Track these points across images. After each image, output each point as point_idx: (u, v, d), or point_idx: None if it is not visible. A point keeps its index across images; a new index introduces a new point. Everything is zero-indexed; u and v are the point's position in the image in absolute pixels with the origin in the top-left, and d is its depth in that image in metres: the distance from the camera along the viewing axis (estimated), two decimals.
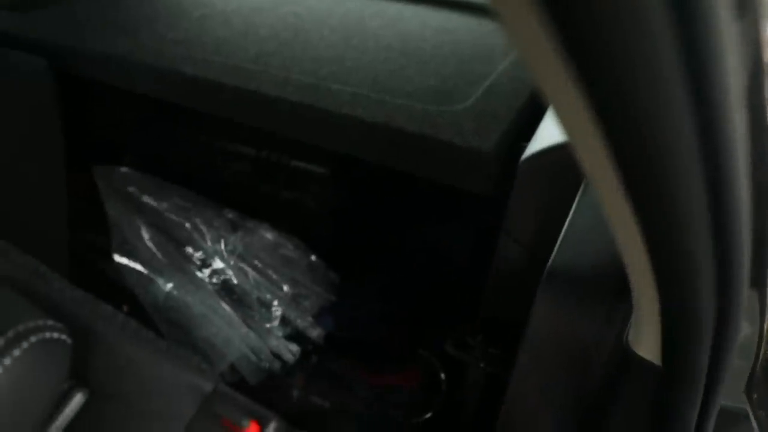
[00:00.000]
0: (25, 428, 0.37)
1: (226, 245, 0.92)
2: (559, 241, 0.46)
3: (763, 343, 0.47)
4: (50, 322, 0.39)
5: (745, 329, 0.42)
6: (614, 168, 0.17)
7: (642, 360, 0.36)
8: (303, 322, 0.91)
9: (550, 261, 0.45)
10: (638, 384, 0.39)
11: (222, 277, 0.91)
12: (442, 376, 0.88)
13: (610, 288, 0.42)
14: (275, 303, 0.90)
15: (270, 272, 0.92)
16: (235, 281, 0.90)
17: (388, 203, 0.89)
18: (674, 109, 0.15)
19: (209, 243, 0.92)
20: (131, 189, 0.96)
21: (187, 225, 0.93)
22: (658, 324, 0.31)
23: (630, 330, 0.37)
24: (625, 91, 0.14)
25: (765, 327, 0.45)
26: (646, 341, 0.35)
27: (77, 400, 0.42)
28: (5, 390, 0.34)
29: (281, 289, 0.91)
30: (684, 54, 0.13)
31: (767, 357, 0.50)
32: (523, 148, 0.55)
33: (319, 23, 0.87)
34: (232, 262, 0.91)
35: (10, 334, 0.35)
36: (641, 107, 0.14)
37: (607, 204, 0.22)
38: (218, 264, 0.91)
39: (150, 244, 0.92)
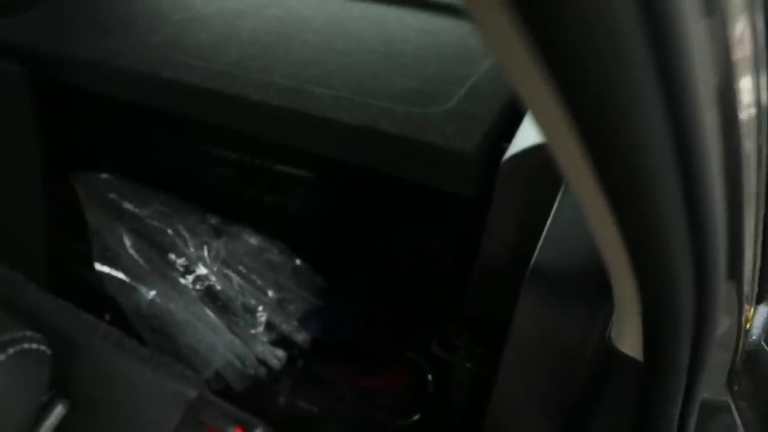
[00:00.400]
0: None
1: (209, 251, 0.91)
2: (541, 241, 0.47)
3: (742, 336, 0.48)
4: (29, 333, 0.38)
5: (724, 322, 0.43)
6: (590, 167, 0.17)
7: (625, 356, 0.37)
8: (288, 326, 0.90)
9: (533, 260, 0.46)
10: (622, 380, 0.39)
11: (206, 284, 0.90)
12: (429, 377, 0.88)
13: (592, 286, 0.43)
14: (260, 308, 0.89)
15: (254, 277, 0.91)
16: (219, 287, 0.90)
17: (372, 206, 0.89)
18: (645, 107, 0.15)
19: (192, 249, 0.91)
20: (112, 195, 0.95)
21: (170, 231, 0.92)
22: (640, 321, 0.32)
23: (612, 327, 0.38)
24: (597, 90, 0.14)
25: (743, 320, 0.45)
26: (628, 338, 0.36)
27: (58, 411, 0.41)
28: None
29: (266, 294, 0.91)
30: (653, 52, 0.14)
31: (746, 349, 0.51)
32: (504, 149, 0.55)
33: (302, 26, 0.87)
34: (215, 268, 0.90)
35: None
36: (612, 106, 0.15)
37: (585, 204, 0.22)
38: (202, 270, 0.90)
39: (132, 251, 0.91)
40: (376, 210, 0.89)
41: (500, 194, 0.56)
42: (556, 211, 0.48)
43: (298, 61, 0.77)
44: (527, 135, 0.54)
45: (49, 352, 0.40)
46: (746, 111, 0.23)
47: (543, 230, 0.47)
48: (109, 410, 0.43)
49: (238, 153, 0.93)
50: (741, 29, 0.20)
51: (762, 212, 0.37)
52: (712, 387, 0.49)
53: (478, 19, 0.15)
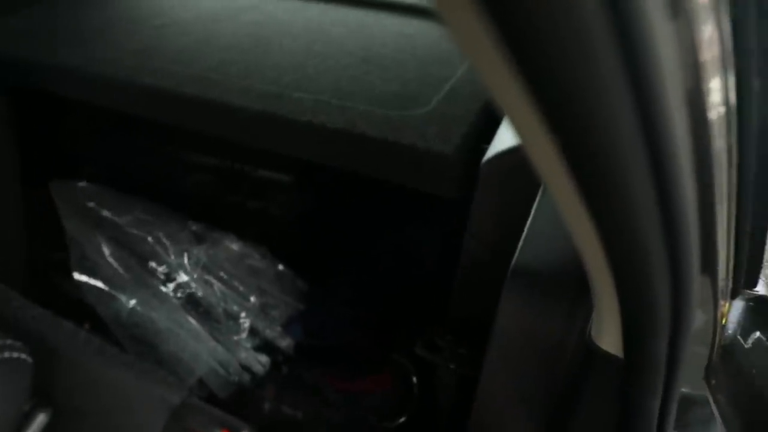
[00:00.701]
0: None
1: (190, 258, 0.90)
2: (521, 241, 0.47)
3: (718, 331, 0.49)
4: (9, 342, 0.38)
5: (700, 317, 0.44)
6: (563, 167, 0.18)
7: (605, 353, 0.37)
8: (272, 332, 0.90)
9: (513, 260, 0.46)
10: (602, 376, 0.40)
11: (187, 291, 0.89)
12: (414, 379, 0.88)
13: (572, 285, 0.43)
14: (243, 314, 0.89)
15: (236, 283, 0.91)
16: (200, 294, 0.89)
17: (354, 209, 0.89)
18: (613, 106, 0.15)
19: (173, 256, 0.90)
20: (90, 204, 0.94)
21: (150, 239, 0.91)
22: (618, 318, 0.32)
23: (592, 325, 0.38)
24: (565, 90, 0.15)
25: (719, 315, 0.46)
26: (608, 335, 0.36)
27: (40, 420, 0.41)
28: None
29: (248, 299, 0.90)
30: (619, 51, 0.14)
31: (723, 344, 0.52)
32: (484, 151, 0.56)
33: (280, 31, 0.87)
34: (196, 275, 0.90)
35: None
36: (581, 105, 0.15)
37: (561, 203, 0.23)
38: (183, 277, 0.90)
39: (111, 259, 0.90)
40: (357, 213, 0.89)
41: (481, 195, 0.57)
42: (535, 211, 0.49)
43: (277, 66, 0.77)
44: (506, 136, 0.55)
45: (30, 360, 0.39)
46: (715, 111, 0.23)
47: (523, 230, 0.48)
48: (92, 418, 0.43)
49: (218, 158, 0.92)
50: (708, 31, 0.21)
51: (734, 210, 0.38)
52: (690, 381, 0.50)
53: (445, 17, 0.15)
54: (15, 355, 0.38)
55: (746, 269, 0.52)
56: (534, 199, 0.50)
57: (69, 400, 0.43)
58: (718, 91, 0.24)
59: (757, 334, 0.55)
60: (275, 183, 0.90)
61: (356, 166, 0.70)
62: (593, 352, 0.38)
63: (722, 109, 0.25)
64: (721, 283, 0.42)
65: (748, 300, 0.56)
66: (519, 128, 0.18)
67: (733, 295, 0.55)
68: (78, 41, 0.86)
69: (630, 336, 0.33)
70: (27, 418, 0.40)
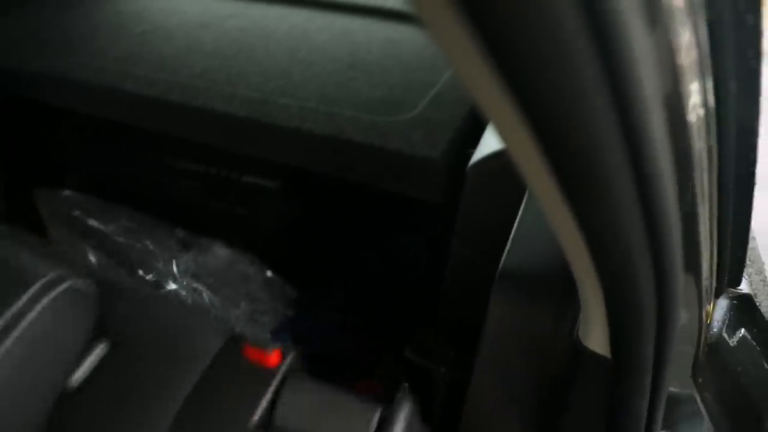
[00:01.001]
0: (51, 377, 0.36)
1: (178, 265, 0.90)
2: (509, 244, 0.47)
3: (704, 329, 0.50)
4: (77, 273, 0.38)
5: (685, 317, 0.44)
6: (546, 170, 0.18)
7: (592, 354, 0.38)
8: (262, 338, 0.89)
9: (501, 263, 0.46)
10: (591, 376, 0.40)
11: (176, 298, 0.89)
12: (405, 384, 0.88)
13: (559, 287, 0.44)
14: (232, 321, 0.88)
15: (225, 290, 0.90)
16: (189, 301, 0.88)
17: (342, 214, 0.89)
18: (592, 109, 0.15)
19: (161, 264, 0.90)
20: (76, 212, 0.93)
21: (137, 247, 0.90)
22: (605, 319, 0.33)
23: (580, 326, 0.39)
24: (544, 92, 0.15)
25: (704, 314, 0.47)
26: (595, 336, 0.37)
27: (100, 350, 0.41)
28: (36, 337, 0.33)
29: (238, 306, 0.90)
30: (597, 54, 0.14)
31: (708, 342, 0.53)
32: (470, 155, 0.56)
33: (265, 37, 0.86)
34: (185, 282, 0.89)
35: (41, 282, 0.35)
36: (560, 107, 0.15)
37: (545, 207, 0.23)
38: (171, 285, 0.89)
39: (98, 268, 0.89)
40: (345, 218, 0.89)
41: (468, 199, 0.57)
42: (522, 214, 0.49)
43: (263, 72, 0.77)
44: (492, 141, 0.55)
45: (96, 290, 0.39)
46: (694, 113, 0.24)
47: (510, 233, 0.48)
48: (148, 347, 0.43)
49: (205, 165, 0.92)
50: (685, 34, 0.21)
51: (716, 209, 0.39)
52: (678, 380, 0.50)
53: (426, 22, 0.15)
54: (82, 285, 0.38)
55: (729, 268, 0.53)
56: (520, 202, 0.50)
57: (126, 330, 0.43)
58: (696, 94, 0.24)
59: (742, 331, 0.55)
60: (262, 189, 0.90)
61: (343, 172, 0.70)
62: (581, 353, 0.38)
63: (701, 111, 0.26)
64: (705, 282, 0.43)
65: (732, 298, 0.57)
66: (501, 130, 0.18)
67: (718, 294, 0.56)
68: (62, 49, 0.86)
69: (617, 336, 0.34)
70: (88, 347, 0.41)
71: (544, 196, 0.22)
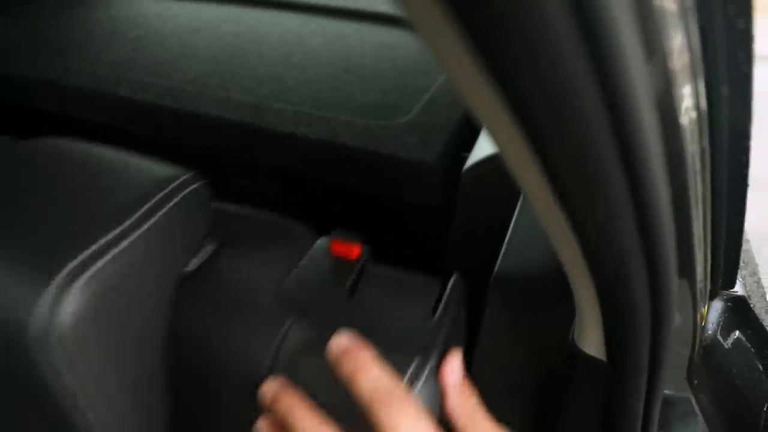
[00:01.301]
0: (170, 276, 0.39)
1: None
2: (504, 247, 0.47)
3: (699, 332, 0.50)
4: (192, 173, 0.41)
5: (679, 319, 0.45)
6: (539, 172, 0.18)
7: (588, 357, 0.38)
8: None
9: (497, 266, 0.46)
10: (586, 379, 0.40)
11: None
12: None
13: (554, 290, 0.44)
14: None
15: None
16: None
17: (337, 217, 0.89)
18: (585, 112, 0.15)
19: None
20: None
21: None
22: (600, 321, 0.33)
23: (575, 329, 0.39)
24: (536, 95, 0.15)
25: (698, 316, 0.47)
26: (591, 339, 0.37)
27: (208, 248, 0.43)
28: (165, 230, 0.36)
29: None
30: (587, 55, 0.14)
31: (703, 344, 0.53)
32: (464, 159, 0.56)
33: (259, 42, 0.86)
34: None
35: (174, 184, 0.38)
36: (552, 109, 0.15)
37: (539, 209, 0.23)
38: None
39: None
40: (340, 222, 0.89)
41: (463, 202, 0.57)
42: (517, 217, 0.49)
43: (257, 77, 0.77)
44: (486, 144, 0.55)
45: (208, 189, 0.42)
46: (687, 116, 0.24)
47: (506, 235, 0.48)
48: (248, 247, 0.45)
49: (198, 170, 0.91)
50: (678, 38, 0.21)
51: (709, 212, 0.39)
52: (673, 382, 0.50)
53: (416, 26, 0.15)
54: (198, 183, 0.41)
55: (723, 270, 0.53)
56: (515, 205, 0.50)
57: (230, 231, 0.47)
58: (689, 97, 0.24)
59: (737, 333, 0.56)
60: (256, 194, 0.90)
61: (338, 177, 0.70)
62: (577, 356, 0.38)
63: (694, 114, 0.26)
64: (699, 285, 0.43)
65: (726, 300, 0.57)
66: (492, 131, 0.18)
67: (712, 296, 0.56)
68: (56, 53, 0.85)
69: (612, 339, 0.34)
70: (201, 243, 0.43)
71: (537, 199, 0.22)
